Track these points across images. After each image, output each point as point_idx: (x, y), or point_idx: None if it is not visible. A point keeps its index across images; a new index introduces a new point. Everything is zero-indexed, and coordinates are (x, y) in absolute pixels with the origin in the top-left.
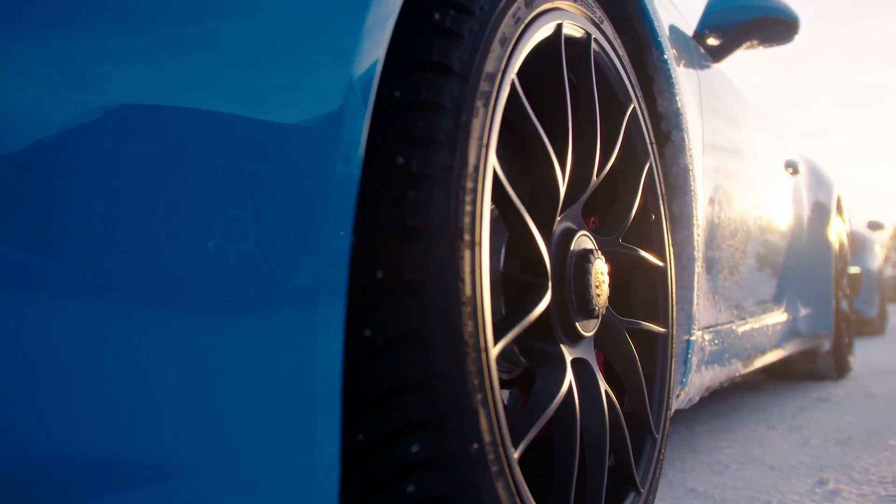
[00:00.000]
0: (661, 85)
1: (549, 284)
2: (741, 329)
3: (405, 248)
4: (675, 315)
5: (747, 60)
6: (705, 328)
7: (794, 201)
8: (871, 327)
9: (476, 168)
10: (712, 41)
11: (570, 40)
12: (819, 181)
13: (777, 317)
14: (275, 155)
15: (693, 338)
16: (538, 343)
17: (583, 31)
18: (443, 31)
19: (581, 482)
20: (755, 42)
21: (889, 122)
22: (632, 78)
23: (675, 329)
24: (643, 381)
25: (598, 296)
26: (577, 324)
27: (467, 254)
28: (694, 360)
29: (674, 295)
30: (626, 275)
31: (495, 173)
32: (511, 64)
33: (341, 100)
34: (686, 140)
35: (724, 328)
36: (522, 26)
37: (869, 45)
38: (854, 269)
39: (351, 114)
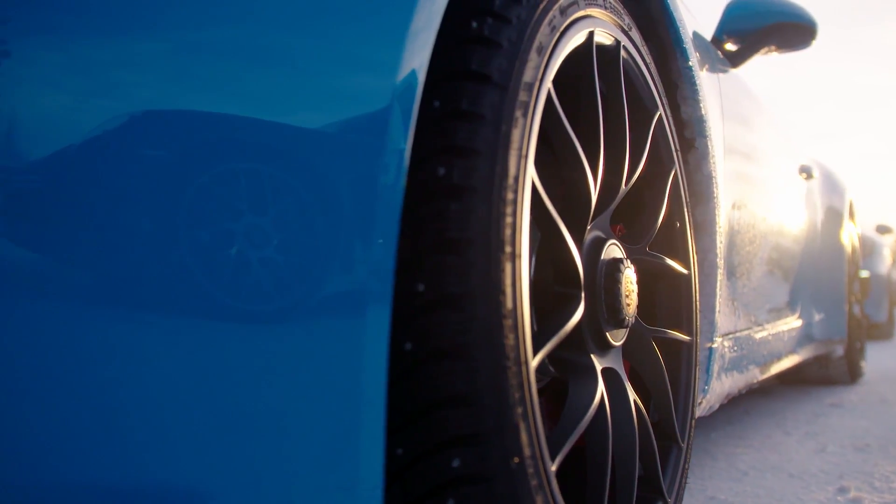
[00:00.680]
0: (686, 92)
1: (583, 295)
2: (759, 335)
3: (447, 260)
4: (699, 323)
5: (752, 64)
6: (725, 335)
7: (808, 206)
8: (880, 331)
9: (516, 179)
10: (730, 46)
11: (601, 48)
12: (832, 186)
13: (792, 322)
14: (322, 164)
15: (715, 345)
16: (569, 354)
17: (612, 39)
18: (481, 39)
19: (610, 492)
20: (773, 47)
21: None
22: (658, 85)
23: (699, 337)
24: (670, 391)
25: (628, 305)
26: (607, 334)
27: (508, 266)
28: (715, 368)
29: (697, 303)
30: (650, 283)
31: (532, 184)
32: (547, 73)
33: (387, 109)
34: (710, 147)
35: (742, 335)
36: (558, 34)
37: (873, 48)
38: (864, 273)
39: (396, 123)
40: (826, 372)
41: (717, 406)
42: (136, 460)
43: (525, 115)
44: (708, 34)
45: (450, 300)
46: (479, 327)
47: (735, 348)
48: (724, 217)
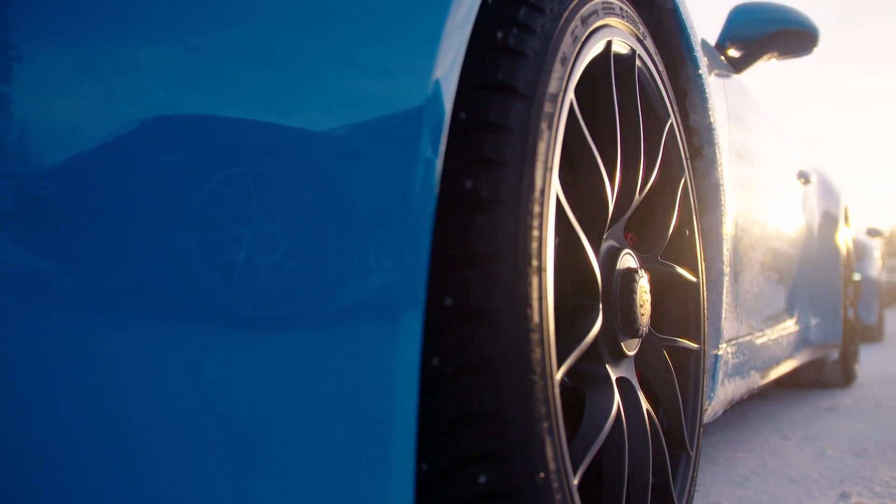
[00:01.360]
0: (695, 99)
1: (601, 305)
2: (759, 341)
3: (475, 274)
4: (706, 330)
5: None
6: (728, 341)
7: (805, 211)
8: (871, 334)
9: (542, 192)
10: (733, 52)
11: (617, 57)
12: (828, 190)
13: (790, 327)
14: (356, 173)
15: (720, 352)
16: (586, 364)
17: (628, 48)
18: (506, 50)
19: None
20: (775, 54)
21: (880, 128)
22: (670, 93)
23: (706, 345)
24: (680, 399)
25: (643, 315)
26: (622, 343)
27: (535, 279)
28: (720, 375)
29: (705, 310)
30: (659, 290)
31: (556, 196)
32: (570, 83)
33: (419, 118)
34: (717, 154)
35: (744, 340)
36: (580, 44)
37: (858, 50)
38: (856, 277)
39: (428, 131)
40: (820, 375)
41: (720, 413)
42: (159, 477)
43: (550, 126)
44: (709, 39)
45: (477, 315)
46: (507, 342)
47: (737, 354)
48: (729, 224)
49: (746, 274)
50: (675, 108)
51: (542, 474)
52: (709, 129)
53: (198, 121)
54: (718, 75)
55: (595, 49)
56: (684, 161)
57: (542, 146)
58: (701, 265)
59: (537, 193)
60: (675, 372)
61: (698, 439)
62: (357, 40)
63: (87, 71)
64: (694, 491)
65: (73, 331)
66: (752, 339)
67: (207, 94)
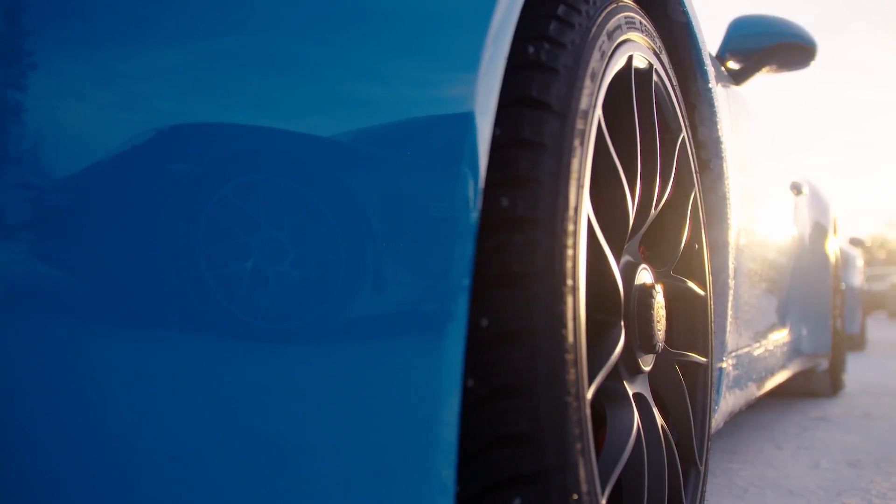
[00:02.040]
0: (704, 113)
1: (623, 322)
2: (757, 352)
3: (511, 294)
4: (713, 344)
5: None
6: (728, 353)
7: (797, 222)
8: (854, 343)
9: (575, 209)
10: (732, 64)
11: (636, 71)
12: (818, 201)
13: (783, 338)
14: (401, 188)
15: (724, 365)
16: (607, 382)
17: (646, 62)
18: (538, 65)
19: None
20: (774, 67)
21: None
22: (682, 107)
23: (713, 358)
24: (690, 413)
25: (659, 331)
26: (639, 360)
27: (570, 299)
28: (724, 388)
29: (712, 324)
30: (668, 305)
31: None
32: (599, 99)
33: (465, 133)
34: (724, 168)
35: (743, 352)
36: (607, 60)
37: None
38: (841, 286)
39: (473, 148)
40: (810, 385)
41: (721, 425)
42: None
43: (582, 143)
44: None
45: (514, 336)
46: (543, 363)
47: (737, 366)
48: (733, 237)
49: (746, 286)
50: (687, 122)
51: (575, 496)
52: (717, 142)
53: (225, 128)
54: (722, 88)
55: (619, 64)
56: (694, 175)
57: (575, 163)
58: (709, 279)
59: (571, 211)
60: (685, 386)
61: (707, 454)
62: (400, 55)
63: (95, 78)
64: None
65: (89, 342)
66: (750, 350)
67: (230, 99)
